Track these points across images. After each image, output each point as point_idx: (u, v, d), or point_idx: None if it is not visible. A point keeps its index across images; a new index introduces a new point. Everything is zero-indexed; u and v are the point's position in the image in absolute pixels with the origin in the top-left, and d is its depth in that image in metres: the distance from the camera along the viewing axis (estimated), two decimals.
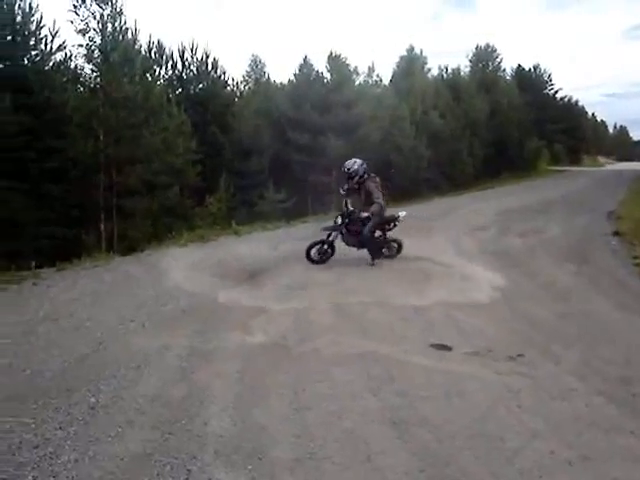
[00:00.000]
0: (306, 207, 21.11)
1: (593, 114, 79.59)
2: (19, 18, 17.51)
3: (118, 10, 18.79)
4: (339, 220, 10.69)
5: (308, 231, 13.31)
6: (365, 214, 10.41)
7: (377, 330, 6.88)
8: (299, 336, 6.62)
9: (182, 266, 10.24)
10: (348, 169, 10.65)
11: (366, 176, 10.64)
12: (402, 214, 11.02)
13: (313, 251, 10.58)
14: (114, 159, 18.27)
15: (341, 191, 10.92)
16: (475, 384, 5.29)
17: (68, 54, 18.84)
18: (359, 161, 10.72)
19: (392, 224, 10.84)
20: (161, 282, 9.19)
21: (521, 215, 17.64)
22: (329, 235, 10.66)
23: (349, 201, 10.81)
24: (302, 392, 5.08)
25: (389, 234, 10.84)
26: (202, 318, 7.32)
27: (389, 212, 10.94)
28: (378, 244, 10.77)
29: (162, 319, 7.31)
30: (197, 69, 27.10)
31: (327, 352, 6.08)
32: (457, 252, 11.42)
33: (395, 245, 10.94)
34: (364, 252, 10.52)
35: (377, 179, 10.77)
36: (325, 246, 10.63)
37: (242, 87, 32.27)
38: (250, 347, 6.23)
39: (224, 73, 28.24)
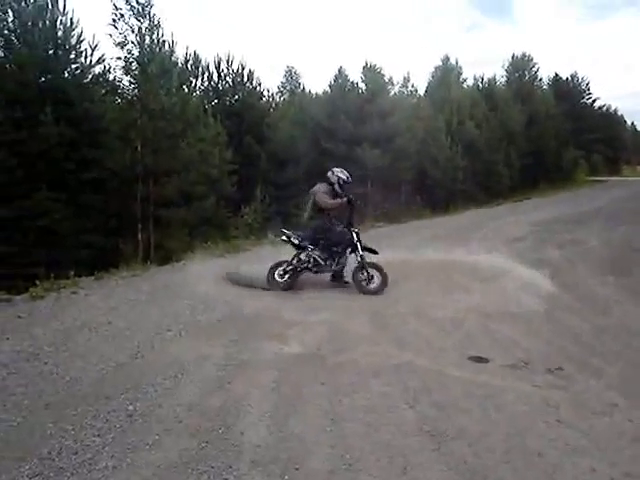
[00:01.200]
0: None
1: (633, 123, 78.37)
2: (60, 33, 17.85)
3: (155, 23, 19.03)
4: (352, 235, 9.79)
5: None
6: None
7: (414, 340, 6.84)
8: (335, 347, 6.60)
9: (218, 276, 10.28)
10: (345, 179, 10.09)
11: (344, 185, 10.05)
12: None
13: None
14: (151, 170, 18.44)
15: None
16: (513, 397, 5.22)
17: (107, 67, 19.12)
18: (337, 172, 10.11)
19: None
20: (197, 292, 9.23)
21: (559, 226, 17.44)
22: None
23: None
24: (338, 403, 5.04)
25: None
26: (238, 328, 7.33)
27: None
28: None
29: (198, 328, 7.35)
30: (233, 80, 27.28)
31: (363, 363, 6.05)
32: (494, 263, 11.30)
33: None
34: None
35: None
36: None
37: (277, 98, 32.58)
38: (286, 357, 6.22)
39: (259, 84, 28.41)
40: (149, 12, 18.77)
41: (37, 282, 9.60)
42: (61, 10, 17.82)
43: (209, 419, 4.71)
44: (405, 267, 10.57)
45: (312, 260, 9.77)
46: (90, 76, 18.81)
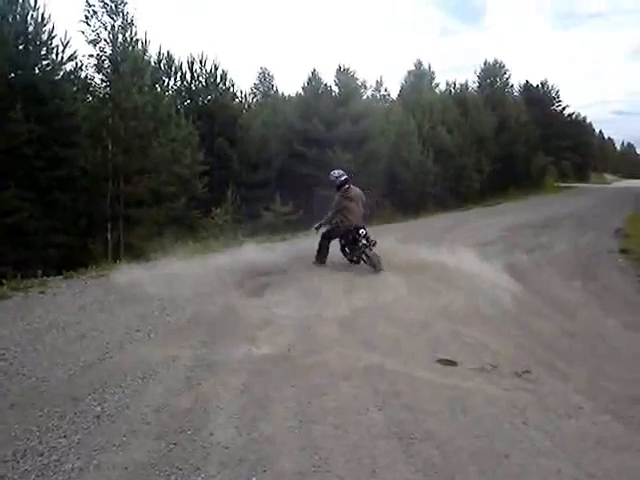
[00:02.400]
0: (312, 220, 21.11)
1: (601, 131, 79.58)
2: (31, 28, 17.64)
3: (129, 21, 18.94)
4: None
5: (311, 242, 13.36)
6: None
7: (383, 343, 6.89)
8: (305, 348, 6.62)
9: (188, 276, 10.24)
10: (336, 179, 11.36)
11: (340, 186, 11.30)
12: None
13: None
14: (122, 169, 18.33)
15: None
16: (481, 400, 5.28)
17: (79, 64, 18.94)
18: (337, 173, 11.54)
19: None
20: (166, 292, 9.18)
21: (528, 231, 17.64)
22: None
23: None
24: (307, 405, 5.06)
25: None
26: (207, 329, 7.31)
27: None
28: (324, 249, 11.34)
29: (168, 329, 7.31)
30: (206, 81, 27.13)
31: (333, 365, 6.07)
32: (463, 267, 11.39)
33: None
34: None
35: (349, 193, 11.24)
36: None
37: (250, 99, 32.42)
38: (256, 359, 6.22)
39: (233, 85, 28.27)
40: (122, 10, 18.71)
41: (3, 281, 9.48)
42: (32, 5, 17.61)
43: (177, 420, 4.70)
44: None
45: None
46: (61, 73, 18.62)
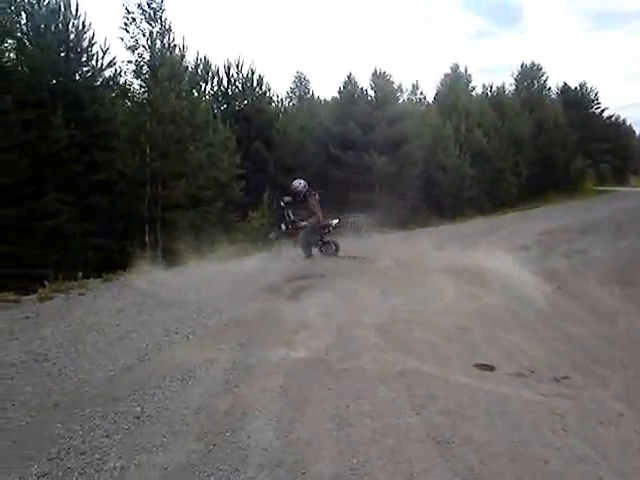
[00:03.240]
0: (348, 224, 21.10)
1: None
2: (72, 36, 18.01)
3: (167, 28, 19.21)
4: (283, 227, 13.11)
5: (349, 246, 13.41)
6: (303, 223, 12.81)
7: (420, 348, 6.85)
8: (342, 353, 6.61)
9: (225, 279, 10.31)
10: (294, 189, 13.04)
11: (307, 193, 12.98)
12: (334, 222, 13.36)
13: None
14: (160, 173, 18.55)
15: (281, 203, 13.24)
16: (519, 405, 5.22)
17: (118, 70, 19.34)
18: (303, 182, 13.13)
19: (327, 229, 13.21)
20: (203, 295, 9.25)
21: (565, 235, 17.38)
22: (276, 238, 13.45)
23: (290, 212, 13.06)
24: (345, 408, 5.06)
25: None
26: (245, 331, 7.35)
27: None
28: (310, 244, 12.86)
29: (205, 332, 7.37)
30: (242, 85, 27.36)
31: (370, 369, 6.06)
32: (500, 272, 11.29)
33: (333, 245, 13.16)
34: None
35: (317, 196, 13.18)
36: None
37: (286, 103, 32.60)
38: (293, 362, 6.24)
39: (269, 89, 28.51)
40: (160, 16, 18.94)
41: (45, 283, 9.64)
42: (73, 13, 17.99)
43: (216, 422, 4.72)
44: (406, 271, 10.66)
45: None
46: (101, 79, 19.03)
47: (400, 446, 4.41)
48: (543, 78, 43.52)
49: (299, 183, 13.08)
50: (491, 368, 6.21)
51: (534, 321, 8.20)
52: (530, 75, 42.95)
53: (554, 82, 52.59)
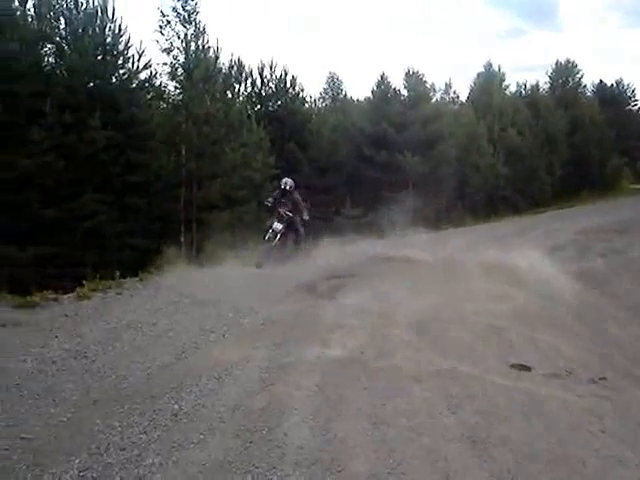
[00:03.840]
0: (382, 223, 21.09)
1: None
2: (109, 39, 18.28)
3: (201, 30, 19.41)
4: (279, 226, 12.93)
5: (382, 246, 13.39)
6: (306, 218, 13.60)
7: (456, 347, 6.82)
8: (377, 351, 6.61)
9: (260, 278, 10.37)
10: (286, 185, 13.46)
11: (293, 190, 13.48)
12: (306, 217, 13.63)
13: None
14: (195, 174, 18.71)
15: (270, 200, 13.55)
16: (556, 406, 5.17)
17: (153, 72, 19.54)
18: (290, 180, 13.63)
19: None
20: (239, 294, 9.31)
21: (602, 235, 17.09)
22: (276, 236, 12.91)
23: (281, 210, 13.13)
24: (380, 407, 5.06)
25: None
26: (280, 330, 7.38)
27: None
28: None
29: (241, 330, 7.42)
30: (276, 86, 27.45)
31: (405, 368, 6.05)
32: (536, 272, 11.18)
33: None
34: None
35: (298, 192, 13.74)
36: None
37: (319, 104, 32.59)
38: (328, 360, 6.25)
39: (302, 90, 28.53)
40: (195, 19, 19.14)
41: (83, 282, 9.77)
42: (110, 17, 18.23)
43: (252, 420, 4.76)
44: (441, 271, 10.64)
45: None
46: (137, 81, 19.24)
47: (436, 445, 4.41)
48: (578, 75, 42.67)
49: (287, 180, 13.64)
50: (527, 368, 6.17)
51: (570, 321, 8.13)
52: (565, 72, 42.20)
53: (590, 79, 51.91)
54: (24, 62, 15.92)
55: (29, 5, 17.35)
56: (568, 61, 42.17)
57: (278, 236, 12.88)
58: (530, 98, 36.96)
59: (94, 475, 3.91)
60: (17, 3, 17.09)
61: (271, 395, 5.27)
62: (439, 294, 9.34)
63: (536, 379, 5.87)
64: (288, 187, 13.45)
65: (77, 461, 4.07)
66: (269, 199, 13.70)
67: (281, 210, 13.16)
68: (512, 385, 5.67)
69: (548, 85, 41.67)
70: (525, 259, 11.33)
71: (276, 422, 4.72)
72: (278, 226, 12.93)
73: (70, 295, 9.12)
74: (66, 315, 7.92)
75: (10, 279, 13.73)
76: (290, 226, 13.21)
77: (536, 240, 16.28)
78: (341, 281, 10.29)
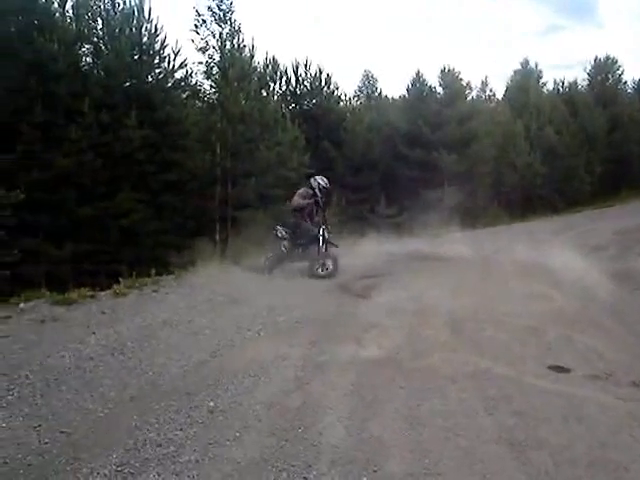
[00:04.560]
0: (417, 222, 20.99)
1: None
2: (145, 39, 18.46)
3: (236, 29, 19.49)
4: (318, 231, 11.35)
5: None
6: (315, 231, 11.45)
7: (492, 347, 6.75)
8: (412, 351, 6.57)
9: (295, 277, 10.39)
10: (320, 184, 11.71)
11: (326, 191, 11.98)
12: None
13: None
14: (230, 172, 18.80)
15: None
16: (595, 409, 5.06)
17: (188, 71, 19.70)
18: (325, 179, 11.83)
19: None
20: (274, 292, 9.34)
21: None
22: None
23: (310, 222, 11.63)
24: (416, 407, 5.02)
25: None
26: (315, 329, 7.37)
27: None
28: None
29: (276, 329, 7.43)
30: (310, 85, 27.55)
31: (441, 369, 6.00)
32: (574, 272, 11.03)
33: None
34: None
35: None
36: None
37: (354, 102, 32.56)
38: (363, 360, 6.23)
39: (337, 88, 28.64)
40: (230, 18, 19.22)
41: (120, 280, 9.88)
42: (146, 17, 18.41)
43: (288, 418, 4.75)
44: (477, 271, 10.54)
45: (283, 250, 11.37)
46: (172, 81, 19.39)
47: (473, 447, 4.34)
48: (618, 72, 41.99)
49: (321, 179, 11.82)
50: (565, 370, 6.06)
51: (609, 322, 7.98)
52: (604, 69, 41.48)
53: (630, 76, 50.90)
54: (63, 63, 16.14)
55: (68, 6, 17.61)
56: (607, 57, 41.39)
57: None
58: (568, 96, 36.53)
59: (131, 471, 3.93)
60: (56, 5, 17.36)
61: (306, 394, 5.26)
62: (474, 294, 9.28)
63: (575, 381, 5.76)
64: (324, 185, 11.75)
65: (114, 456, 4.10)
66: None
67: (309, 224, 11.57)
68: (550, 387, 5.57)
69: (586, 82, 41.01)
70: (563, 259, 11.19)
71: (311, 421, 4.70)
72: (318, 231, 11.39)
73: (107, 292, 9.23)
74: (103, 312, 8.01)
75: (47, 276, 13.99)
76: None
77: (574, 240, 16.07)
78: (376, 280, 10.26)
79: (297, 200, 11.58)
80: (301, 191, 11.77)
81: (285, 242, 11.39)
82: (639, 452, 4.31)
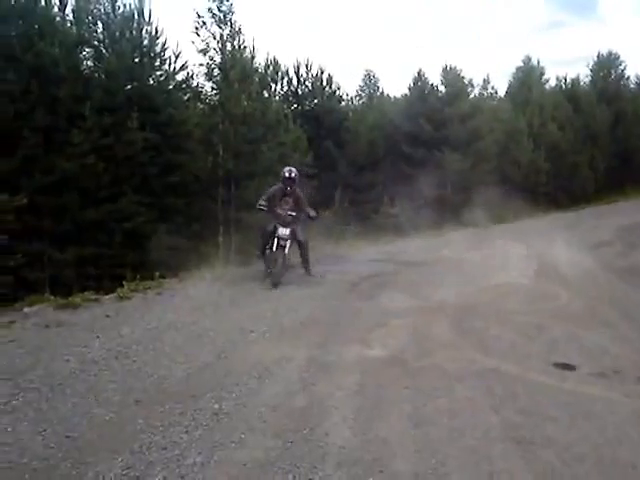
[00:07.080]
0: (421, 221, 20.95)
1: None
2: (146, 41, 18.45)
3: (237, 30, 19.45)
4: (286, 231, 10.58)
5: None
6: (313, 214, 11.09)
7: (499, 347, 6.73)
8: (418, 351, 6.55)
9: (299, 278, 10.38)
10: (291, 174, 10.99)
11: (297, 182, 11.15)
12: (312, 214, 11.07)
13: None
14: (233, 174, 18.78)
15: (263, 203, 10.86)
16: (603, 407, 5.04)
17: (190, 73, 19.65)
18: (295, 169, 11.20)
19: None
20: (278, 294, 9.33)
21: None
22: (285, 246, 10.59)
23: (281, 210, 10.88)
24: (422, 407, 5.00)
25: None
26: (320, 330, 7.37)
27: None
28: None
29: (281, 330, 7.43)
30: (312, 85, 27.52)
31: (447, 368, 5.98)
32: (578, 268, 11.01)
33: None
34: None
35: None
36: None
37: (356, 102, 32.54)
38: (369, 360, 6.21)
39: (338, 88, 28.56)
40: (230, 19, 19.19)
41: (124, 283, 9.89)
42: (147, 19, 18.39)
43: (293, 420, 4.75)
44: (482, 268, 10.52)
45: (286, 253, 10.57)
46: (174, 83, 19.37)
47: (479, 446, 4.33)
48: (621, 67, 41.85)
49: (292, 169, 11.24)
50: (572, 367, 6.04)
51: (617, 320, 7.97)
52: (607, 65, 41.32)
53: (633, 72, 50.72)
54: (63, 66, 16.12)
55: (68, 10, 17.61)
56: (610, 53, 41.22)
57: (288, 244, 10.60)
58: (570, 92, 36.37)
59: (137, 474, 3.92)
60: (56, 9, 17.36)
61: (312, 395, 5.25)
62: (480, 292, 9.27)
63: (581, 379, 5.75)
64: (294, 175, 11.00)
65: (120, 459, 4.09)
66: (262, 202, 10.87)
67: (281, 211, 10.87)
68: (556, 384, 5.56)
69: (589, 78, 40.87)
70: (569, 256, 11.19)
71: (317, 422, 4.69)
72: (285, 232, 10.57)
73: (111, 295, 9.25)
74: (107, 315, 8.02)
75: (51, 280, 13.99)
76: (293, 233, 10.73)
77: (580, 236, 16.07)
78: (380, 279, 10.25)
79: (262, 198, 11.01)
80: (273, 188, 11.27)
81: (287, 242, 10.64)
82: None
